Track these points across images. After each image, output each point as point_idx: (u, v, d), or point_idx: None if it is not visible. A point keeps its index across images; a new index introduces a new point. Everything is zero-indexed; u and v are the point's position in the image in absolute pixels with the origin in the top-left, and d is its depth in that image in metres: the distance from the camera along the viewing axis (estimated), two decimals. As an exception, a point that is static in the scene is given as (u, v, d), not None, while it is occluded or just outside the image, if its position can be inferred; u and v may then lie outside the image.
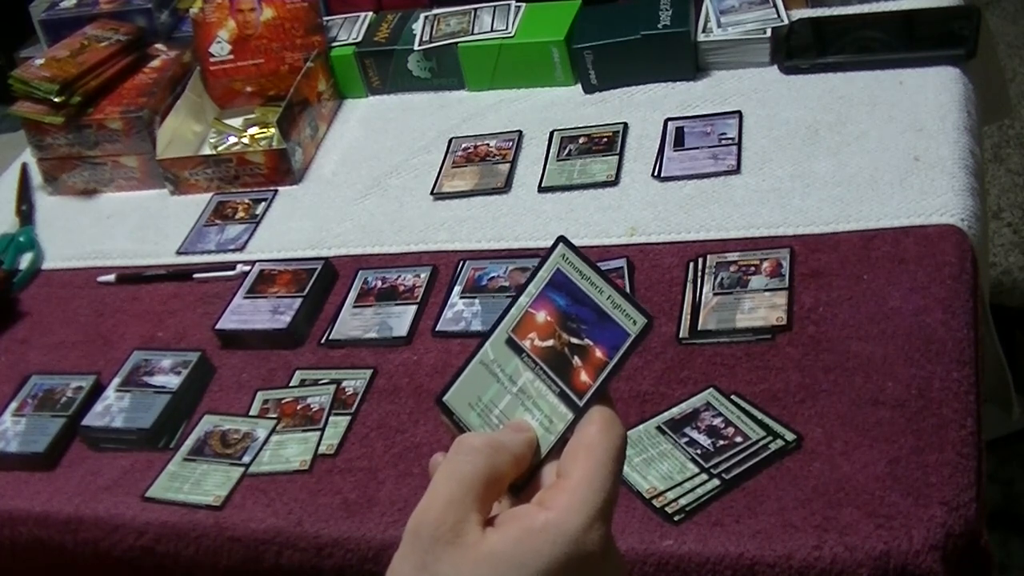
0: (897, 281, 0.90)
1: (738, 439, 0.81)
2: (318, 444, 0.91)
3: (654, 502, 0.78)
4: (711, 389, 0.85)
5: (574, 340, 0.56)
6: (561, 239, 0.58)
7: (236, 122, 1.34)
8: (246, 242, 1.16)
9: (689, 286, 0.95)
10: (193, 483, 0.90)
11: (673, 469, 0.80)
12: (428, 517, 0.49)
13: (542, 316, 0.57)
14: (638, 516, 0.77)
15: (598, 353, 0.55)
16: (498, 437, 0.53)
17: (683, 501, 0.77)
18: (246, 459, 0.90)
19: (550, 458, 0.53)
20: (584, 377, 0.55)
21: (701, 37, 1.20)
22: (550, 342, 0.57)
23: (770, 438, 0.80)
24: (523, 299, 0.58)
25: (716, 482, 0.78)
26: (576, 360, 0.56)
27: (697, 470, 0.79)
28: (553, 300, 0.57)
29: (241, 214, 1.20)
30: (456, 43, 1.27)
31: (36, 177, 1.34)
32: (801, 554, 0.72)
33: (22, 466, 0.96)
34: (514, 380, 0.57)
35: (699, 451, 0.81)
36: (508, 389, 0.57)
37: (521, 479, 0.53)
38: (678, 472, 0.79)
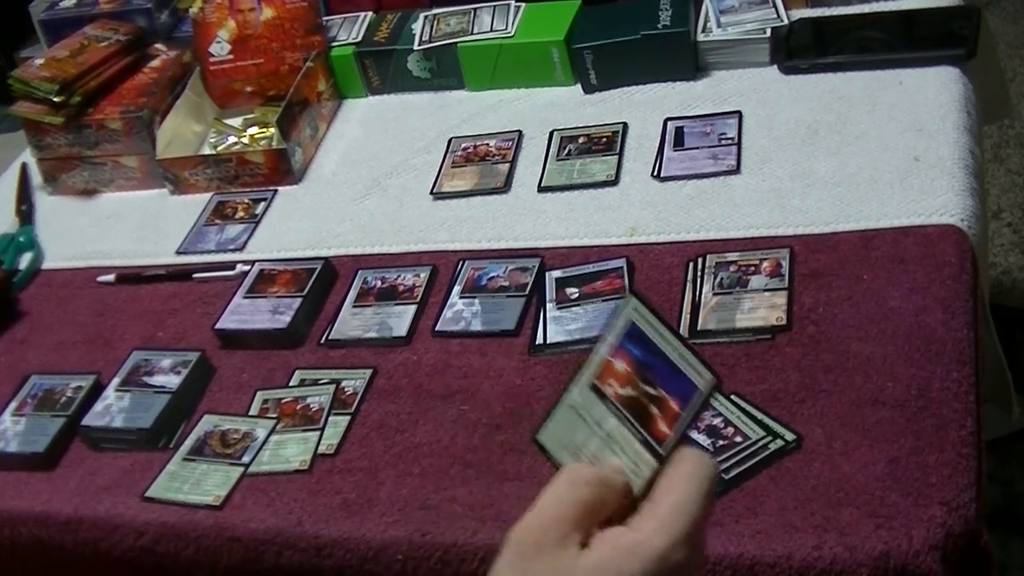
0: (897, 281, 0.90)
1: (738, 439, 0.81)
2: (318, 444, 0.90)
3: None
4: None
5: (650, 390, 0.61)
6: (633, 293, 0.63)
7: (236, 122, 1.34)
8: (246, 242, 1.16)
9: (689, 286, 0.95)
10: (193, 483, 0.90)
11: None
12: (535, 530, 0.55)
13: (620, 365, 0.62)
14: (638, 516, 0.77)
15: (672, 404, 0.60)
16: (607, 474, 0.59)
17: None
18: (246, 459, 0.90)
19: (641, 498, 0.58)
20: (663, 427, 0.60)
21: (701, 37, 1.20)
22: (629, 390, 0.62)
23: (770, 438, 0.80)
24: (603, 348, 0.63)
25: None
26: (654, 409, 0.61)
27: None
28: (630, 351, 0.62)
29: (241, 214, 1.20)
30: (456, 43, 1.27)
31: (36, 177, 1.34)
32: (801, 554, 0.72)
33: (22, 466, 0.96)
34: (601, 425, 0.62)
35: (699, 451, 0.81)
36: (596, 433, 0.62)
37: (614, 515, 0.58)
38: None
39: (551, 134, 1.18)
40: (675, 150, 1.11)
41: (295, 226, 1.17)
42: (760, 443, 0.80)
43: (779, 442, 0.79)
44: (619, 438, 0.62)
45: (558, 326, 0.95)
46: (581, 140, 1.16)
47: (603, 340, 0.64)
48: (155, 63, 1.34)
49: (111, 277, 1.16)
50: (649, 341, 0.63)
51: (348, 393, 0.95)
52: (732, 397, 0.84)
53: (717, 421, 0.82)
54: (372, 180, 1.20)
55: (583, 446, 0.63)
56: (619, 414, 0.62)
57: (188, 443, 0.94)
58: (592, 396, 0.64)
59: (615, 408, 0.63)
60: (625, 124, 1.17)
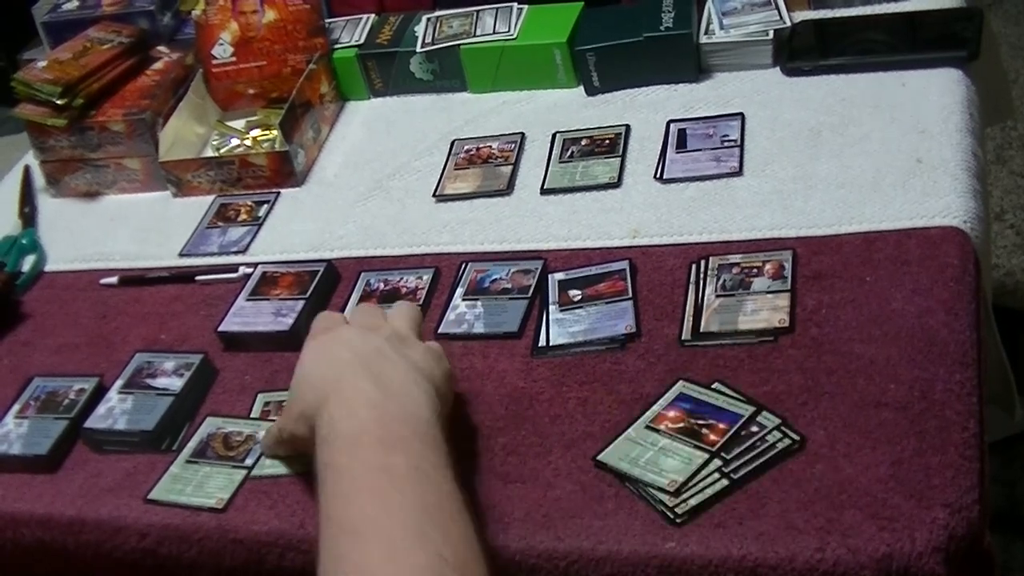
0: (899, 283, 0.90)
1: (754, 428, 0.81)
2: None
3: (669, 500, 0.77)
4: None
5: (700, 422, 0.82)
6: (680, 379, 0.86)
7: (238, 124, 1.34)
8: (248, 244, 1.16)
9: (691, 288, 0.95)
10: (196, 485, 0.89)
11: (682, 461, 0.79)
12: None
13: (672, 413, 0.83)
14: (640, 518, 0.77)
15: (720, 425, 0.81)
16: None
17: (692, 501, 0.77)
18: (248, 462, 0.90)
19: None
20: (713, 437, 0.80)
21: (703, 39, 1.20)
22: (681, 424, 0.82)
23: (779, 435, 0.80)
24: (656, 407, 0.84)
25: (725, 481, 0.78)
26: (704, 430, 0.81)
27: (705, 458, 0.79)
28: (680, 406, 0.84)
29: (243, 216, 1.20)
30: (458, 45, 1.27)
31: (39, 179, 1.34)
32: (804, 556, 0.72)
33: (25, 468, 0.96)
34: (654, 444, 0.81)
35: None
36: (650, 448, 0.81)
37: None
38: (685, 464, 0.79)
39: (554, 136, 1.18)
40: (678, 152, 1.11)
41: (298, 228, 1.17)
42: (769, 436, 0.80)
43: (786, 440, 0.79)
44: (671, 448, 0.80)
45: (561, 328, 0.95)
46: (584, 142, 1.16)
47: (657, 402, 0.85)
48: (158, 65, 1.34)
49: (114, 279, 1.16)
50: (697, 399, 0.83)
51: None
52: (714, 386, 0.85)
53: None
54: (375, 182, 1.20)
55: (639, 457, 0.80)
56: (672, 436, 0.81)
57: (191, 445, 0.93)
58: (646, 431, 0.82)
59: (667, 433, 0.81)
60: (628, 126, 1.17)
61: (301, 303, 1.04)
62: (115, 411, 0.98)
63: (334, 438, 0.75)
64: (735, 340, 0.89)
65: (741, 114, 1.13)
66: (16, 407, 1.02)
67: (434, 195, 1.16)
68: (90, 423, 0.97)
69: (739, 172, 1.06)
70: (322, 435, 0.76)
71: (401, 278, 1.05)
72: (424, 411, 0.77)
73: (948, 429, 0.78)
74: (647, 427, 0.82)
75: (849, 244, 0.95)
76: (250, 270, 1.11)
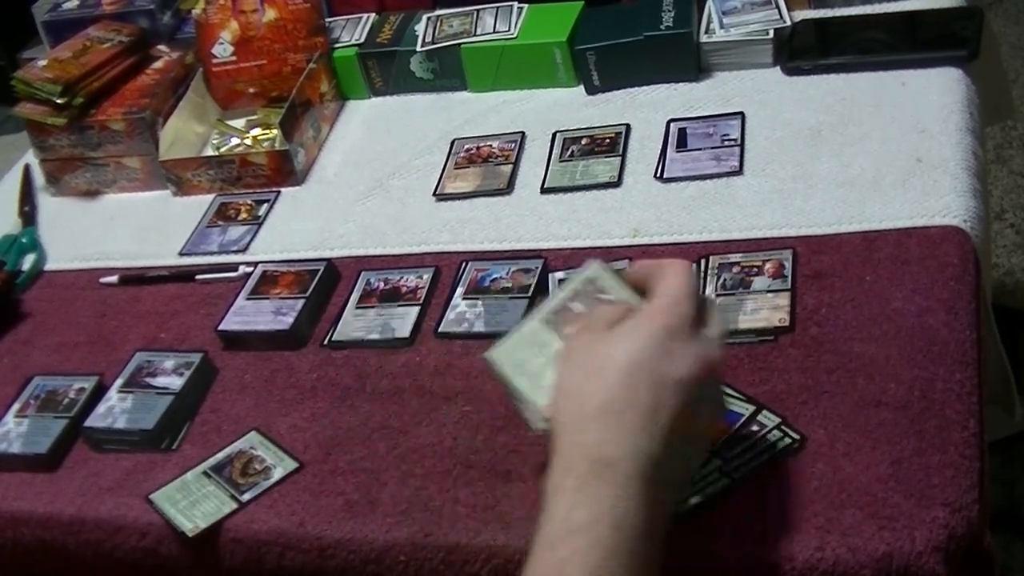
0: (900, 282, 0.90)
1: (754, 427, 0.81)
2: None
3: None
4: None
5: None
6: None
7: (239, 123, 1.34)
8: (248, 243, 1.16)
9: (691, 287, 0.95)
10: (191, 502, 0.87)
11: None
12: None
13: None
14: (640, 517, 0.77)
15: (721, 424, 0.79)
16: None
17: (692, 500, 0.77)
18: (247, 496, 0.87)
19: None
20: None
21: (704, 38, 1.20)
22: None
23: (780, 435, 0.80)
24: (560, 294, 0.78)
25: (725, 480, 0.78)
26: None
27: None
28: None
29: (243, 215, 1.20)
30: (459, 44, 1.27)
31: (39, 178, 1.34)
32: (803, 555, 0.72)
33: (24, 467, 0.96)
34: (548, 346, 0.76)
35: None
36: (542, 354, 0.76)
37: None
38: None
39: (554, 135, 1.18)
40: (678, 151, 1.11)
41: (298, 227, 1.17)
42: (769, 435, 0.80)
43: (786, 439, 0.80)
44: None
45: (561, 327, 0.95)
46: (584, 141, 1.16)
47: (562, 289, 0.78)
48: (158, 64, 1.34)
49: (114, 278, 1.16)
50: None
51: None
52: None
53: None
54: (375, 181, 1.20)
55: (527, 362, 0.76)
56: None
57: (219, 456, 0.91)
58: (544, 328, 0.77)
59: None
60: (628, 125, 1.17)
61: (301, 302, 1.04)
62: (115, 410, 0.98)
63: None
64: (735, 339, 0.89)
65: (741, 113, 1.13)
66: (16, 406, 1.02)
67: (434, 194, 1.16)
68: (90, 422, 0.97)
69: (739, 171, 1.06)
70: None
71: (401, 277, 1.05)
72: None
73: (948, 428, 0.78)
74: (546, 322, 0.78)
75: (849, 243, 0.95)
76: (250, 269, 1.11)
